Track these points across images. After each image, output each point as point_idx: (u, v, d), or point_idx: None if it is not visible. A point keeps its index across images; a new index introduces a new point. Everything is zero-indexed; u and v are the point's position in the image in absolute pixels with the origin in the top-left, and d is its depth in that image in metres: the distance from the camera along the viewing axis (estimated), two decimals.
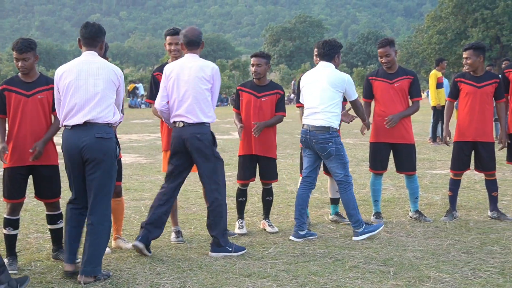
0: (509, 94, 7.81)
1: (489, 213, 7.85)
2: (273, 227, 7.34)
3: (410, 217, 7.82)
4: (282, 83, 64.40)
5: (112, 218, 5.83)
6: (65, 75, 5.56)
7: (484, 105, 7.63)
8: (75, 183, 5.62)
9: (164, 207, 6.34)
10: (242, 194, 7.41)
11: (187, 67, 6.32)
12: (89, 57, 5.64)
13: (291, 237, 6.93)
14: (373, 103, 7.85)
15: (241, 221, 7.33)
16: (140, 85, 47.41)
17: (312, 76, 7.05)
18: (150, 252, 6.26)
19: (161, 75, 6.82)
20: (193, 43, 6.40)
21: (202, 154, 6.24)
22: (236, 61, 71.17)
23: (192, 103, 6.24)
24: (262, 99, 7.26)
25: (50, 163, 5.95)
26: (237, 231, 7.17)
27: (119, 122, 5.86)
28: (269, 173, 7.37)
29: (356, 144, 17.05)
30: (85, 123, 5.47)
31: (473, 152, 7.79)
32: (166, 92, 6.38)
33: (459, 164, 7.80)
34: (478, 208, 8.43)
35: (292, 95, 46.32)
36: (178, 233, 6.89)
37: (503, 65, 16.35)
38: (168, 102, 6.38)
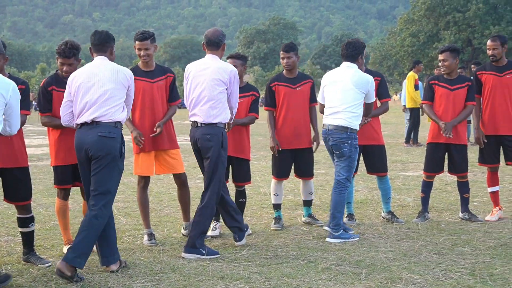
0: (482, 96, 7.87)
1: (460, 215, 7.91)
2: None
3: (383, 217, 7.86)
4: (256, 85, 64.49)
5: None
6: (76, 78, 5.78)
7: (457, 107, 7.67)
8: (85, 184, 5.77)
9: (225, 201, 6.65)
10: None
11: (204, 68, 6.44)
12: (100, 61, 5.84)
13: (325, 227, 7.08)
14: None
15: (216, 223, 7.29)
16: None
17: (334, 76, 7.10)
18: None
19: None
20: (212, 44, 6.51)
21: (208, 155, 6.36)
22: None
23: (206, 104, 6.37)
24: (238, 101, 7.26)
25: (20, 165, 5.90)
26: (210, 233, 7.14)
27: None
28: (242, 174, 7.35)
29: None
30: (92, 121, 5.62)
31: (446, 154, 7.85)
32: (187, 93, 6.55)
33: (432, 166, 7.85)
34: (449, 209, 8.50)
35: None
36: (151, 236, 6.84)
37: (472, 68, 16.51)
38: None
